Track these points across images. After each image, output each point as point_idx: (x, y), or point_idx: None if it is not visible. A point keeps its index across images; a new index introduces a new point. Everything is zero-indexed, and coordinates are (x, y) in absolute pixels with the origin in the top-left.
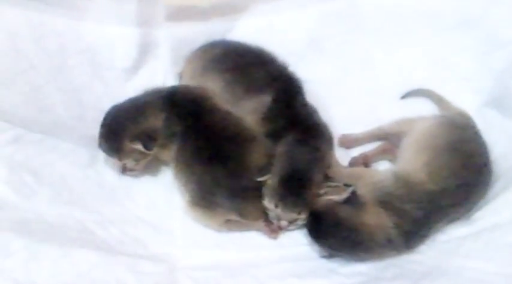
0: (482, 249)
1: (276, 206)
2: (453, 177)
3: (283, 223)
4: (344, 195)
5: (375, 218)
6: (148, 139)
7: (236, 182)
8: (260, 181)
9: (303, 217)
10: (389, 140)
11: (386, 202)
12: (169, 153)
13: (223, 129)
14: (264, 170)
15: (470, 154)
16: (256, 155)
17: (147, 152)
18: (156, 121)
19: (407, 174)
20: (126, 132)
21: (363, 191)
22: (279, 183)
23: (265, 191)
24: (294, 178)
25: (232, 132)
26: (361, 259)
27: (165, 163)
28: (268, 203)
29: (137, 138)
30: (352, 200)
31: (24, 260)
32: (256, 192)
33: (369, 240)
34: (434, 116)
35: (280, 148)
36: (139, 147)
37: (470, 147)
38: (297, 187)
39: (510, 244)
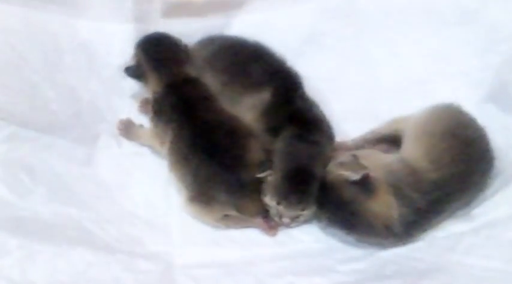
0: (482, 245)
1: (279, 203)
2: (453, 164)
3: (286, 220)
4: (355, 176)
5: (382, 207)
6: (135, 70)
7: (233, 176)
8: (259, 176)
9: (306, 213)
10: (385, 142)
11: (397, 187)
12: (161, 139)
13: (218, 123)
14: (263, 165)
15: (469, 140)
16: (253, 150)
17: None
18: (153, 84)
19: (412, 161)
20: (146, 51)
21: (375, 174)
22: (281, 180)
23: (267, 188)
24: (297, 174)
25: (228, 126)
26: (358, 241)
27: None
28: (269, 200)
29: (136, 58)
30: (364, 183)
31: (20, 259)
32: (254, 186)
33: (369, 227)
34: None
35: (279, 144)
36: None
37: (469, 133)
38: (300, 183)
39: (510, 240)
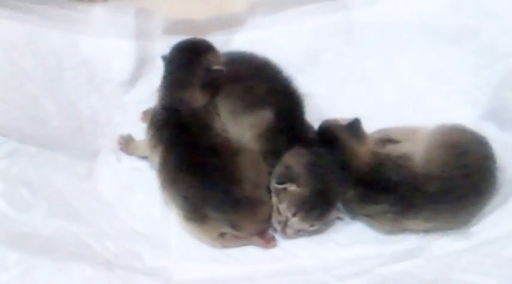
0: (481, 263)
1: (295, 214)
2: (443, 169)
3: (289, 230)
4: (346, 121)
5: (364, 152)
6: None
7: (225, 193)
8: (253, 193)
9: (311, 229)
10: None
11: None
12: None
13: (208, 145)
14: (281, 177)
15: (478, 168)
16: (244, 167)
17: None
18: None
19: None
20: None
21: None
22: (308, 194)
23: (285, 197)
24: (324, 194)
25: (217, 146)
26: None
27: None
28: (285, 209)
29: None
30: (355, 129)
31: (20, 274)
32: (247, 203)
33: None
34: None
35: (304, 158)
36: None
37: (472, 155)
38: (324, 203)
39: (508, 258)
